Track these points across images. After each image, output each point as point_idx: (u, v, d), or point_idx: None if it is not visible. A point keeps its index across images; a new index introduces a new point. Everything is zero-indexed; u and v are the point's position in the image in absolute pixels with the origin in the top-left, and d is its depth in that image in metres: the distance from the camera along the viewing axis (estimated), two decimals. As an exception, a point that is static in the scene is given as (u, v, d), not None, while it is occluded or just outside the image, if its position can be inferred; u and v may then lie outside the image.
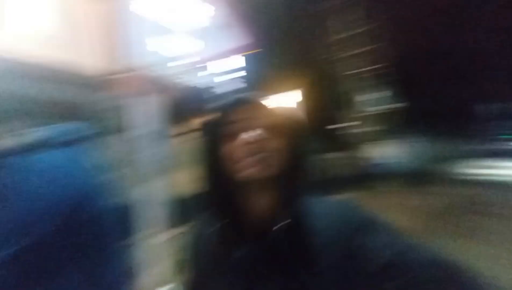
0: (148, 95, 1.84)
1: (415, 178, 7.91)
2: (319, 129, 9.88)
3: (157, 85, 1.94)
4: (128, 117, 1.65)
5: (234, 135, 0.45)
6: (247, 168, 0.43)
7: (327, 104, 10.53)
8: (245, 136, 0.44)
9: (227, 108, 0.48)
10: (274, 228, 0.43)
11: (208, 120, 0.50)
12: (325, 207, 0.46)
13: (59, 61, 5.86)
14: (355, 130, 10.19)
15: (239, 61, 6.74)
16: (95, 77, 1.70)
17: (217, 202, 0.48)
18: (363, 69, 10.32)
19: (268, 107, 0.48)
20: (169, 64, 2.05)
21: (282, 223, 0.43)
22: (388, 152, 9.22)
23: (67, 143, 0.74)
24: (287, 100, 8.01)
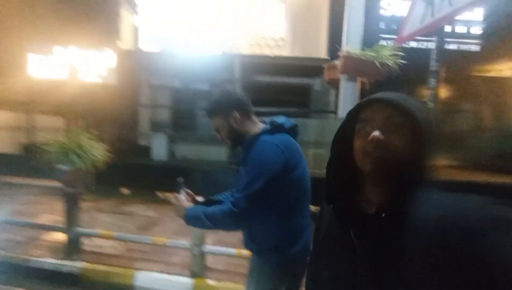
0: (357, 78, 1.88)
1: None
2: None
3: (367, 68, 1.92)
4: (339, 99, 1.80)
5: (362, 132, 0.51)
6: (365, 163, 0.50)
7: None
8: (371, 134, 0.48)
9: (363, 105, 0.52)
10: (379, 214, 0.48)
11: (348, 114, 0.55)
12: (451, 204, 0.43)
13: (289, 57, 7.42)
14: None
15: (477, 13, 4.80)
16: (315, 66, 2.00)
17: (337, 185, 0.56)
18: None
19: (400, 109, 0.48)
20: (383, 44, 1.93)
21: (386, 213, 0.47)
22: None
23: (287, 129, 1.01)
24: None
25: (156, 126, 7.22)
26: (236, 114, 1.02)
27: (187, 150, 6.87)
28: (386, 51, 1.99)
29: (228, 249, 2.15)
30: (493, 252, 0.35)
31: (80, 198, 2.53)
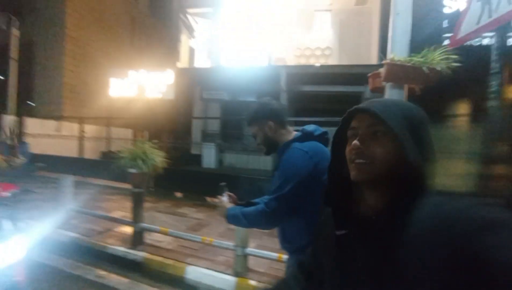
0: (405, 84, 1.83)
1: None
2: None
3: (412, 75, 1.87)
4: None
5: (350, 139, 0.53)
6: (350, 170, 0.52)
7: None
8: (353, 142, 0.51)
9: (351, 113, 0.54)
10: (375, 218, 0.50)
11: (342, 120, 0.57)
12: (442, 208, 0.43)
13: (336, 65, 7.31)
14: None
15: None
16: (364, 73, 1.99)
17: (336, 187, 0.58)
18: None
19: (379, 118, 0.48)
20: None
21: (381, 217, 0.49)
22: None
23: (317, 136, 1.09)
24: None
25: (206, 137, 7.82)
26: (271, 124, 1.14)
27: (234, 159, 7.25)
28: (436, 55, 1.88)
29: (269, 253, 2.23)
30: (484, 253, 0.36)
31: (144, 198, 2.95)
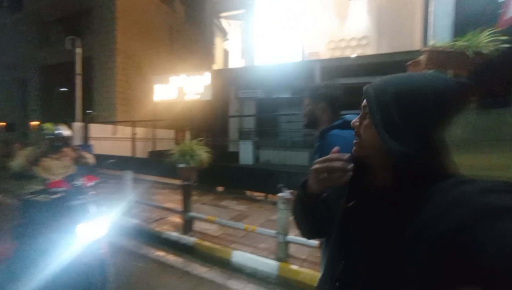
0: (448, 71, 1.81)
1: None
2: None
3: (455, 60, 1.83)
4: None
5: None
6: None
7: None
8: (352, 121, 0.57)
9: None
10: (373, 193, 0.53)
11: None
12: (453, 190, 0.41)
13: (373, 55, 7.00)
14: None
15: None
16: (405, 61, 1.96)
17: (356, 162, 0.59)
18: None
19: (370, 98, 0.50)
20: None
21: (378, 191, 0.52)
22: None
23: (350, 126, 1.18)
24: None
25: (243, 134, 8.11)
26: (323, 105, 1.24)
27: (270, 155, 7.41)
28: (482, 38, 1.79)
29: (309, 240, 2.34)
30: (480, 241, 0.34)
31: (192, 190, 3.27)
